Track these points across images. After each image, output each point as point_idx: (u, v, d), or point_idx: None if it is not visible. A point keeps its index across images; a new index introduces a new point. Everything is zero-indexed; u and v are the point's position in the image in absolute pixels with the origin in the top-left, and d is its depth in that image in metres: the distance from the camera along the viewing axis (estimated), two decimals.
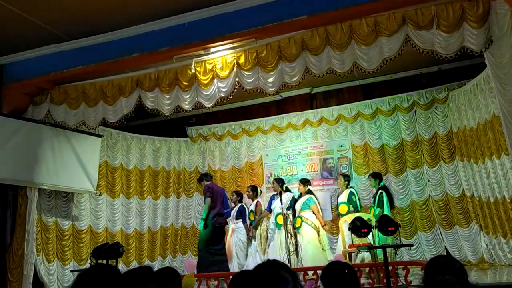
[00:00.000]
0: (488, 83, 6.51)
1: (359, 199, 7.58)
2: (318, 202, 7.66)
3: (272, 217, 7.63)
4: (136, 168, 9.24)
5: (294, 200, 7.68)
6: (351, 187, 7.68)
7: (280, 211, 7.42)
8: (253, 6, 5.92)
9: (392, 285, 4.73)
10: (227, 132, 9.85)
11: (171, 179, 9.70)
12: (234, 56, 6.45)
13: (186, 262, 7.26)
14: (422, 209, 8.22)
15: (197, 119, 10.12)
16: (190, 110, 7.12)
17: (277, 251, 7.27)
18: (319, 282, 5.67)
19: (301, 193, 7.71)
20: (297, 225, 7.45)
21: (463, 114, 7.74)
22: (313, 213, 7.50)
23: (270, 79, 6.26)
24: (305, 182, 7.78)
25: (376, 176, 7.55)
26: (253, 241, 7.78)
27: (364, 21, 5.71)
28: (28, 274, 7.10)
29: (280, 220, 7.38)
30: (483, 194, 7.30)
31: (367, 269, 5.98)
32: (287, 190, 7.80)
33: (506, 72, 5.12)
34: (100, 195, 8.52)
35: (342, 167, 8.89)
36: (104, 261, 5.77)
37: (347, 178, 7.79)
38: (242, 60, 6.38)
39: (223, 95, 6.51)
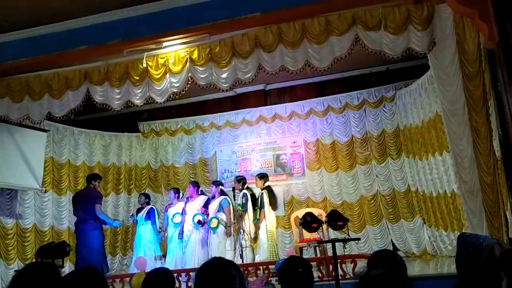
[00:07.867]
0: (432, 83, 6.81)
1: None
2: (231, 203, 7.54)
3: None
4: (85, 164, 8.94)
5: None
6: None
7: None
8: (207, 1, 5.80)
9: (340, 278, 4.87)
10: (180, 128, 9.73)
11: (122, 176, 9.47)
12: (187, 51, 6.38)
13: (136, 260, 7.13)
14: (370, 203, 8.50)
15: (150, 114, 9.93)
16: (141, 105, 6.97)
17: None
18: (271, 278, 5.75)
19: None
20: (212, 226, 7.26)
21: (409, 113, 8.06)
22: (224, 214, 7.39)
23: (224, 75, 6.25)
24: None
25: (262, 177, 7.62)
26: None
27: (316, 20, 5.81)
28: None
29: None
30: (426, 189, 7.66)
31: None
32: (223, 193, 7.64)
33: (448, 73, 5.40)
34: (45, 192, 8.19)
35: (295, 163, 9.04)
36: (50, 261, 5.56)
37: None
38: (195, 55, 6.33)
39: (175, 90, 6.43)
